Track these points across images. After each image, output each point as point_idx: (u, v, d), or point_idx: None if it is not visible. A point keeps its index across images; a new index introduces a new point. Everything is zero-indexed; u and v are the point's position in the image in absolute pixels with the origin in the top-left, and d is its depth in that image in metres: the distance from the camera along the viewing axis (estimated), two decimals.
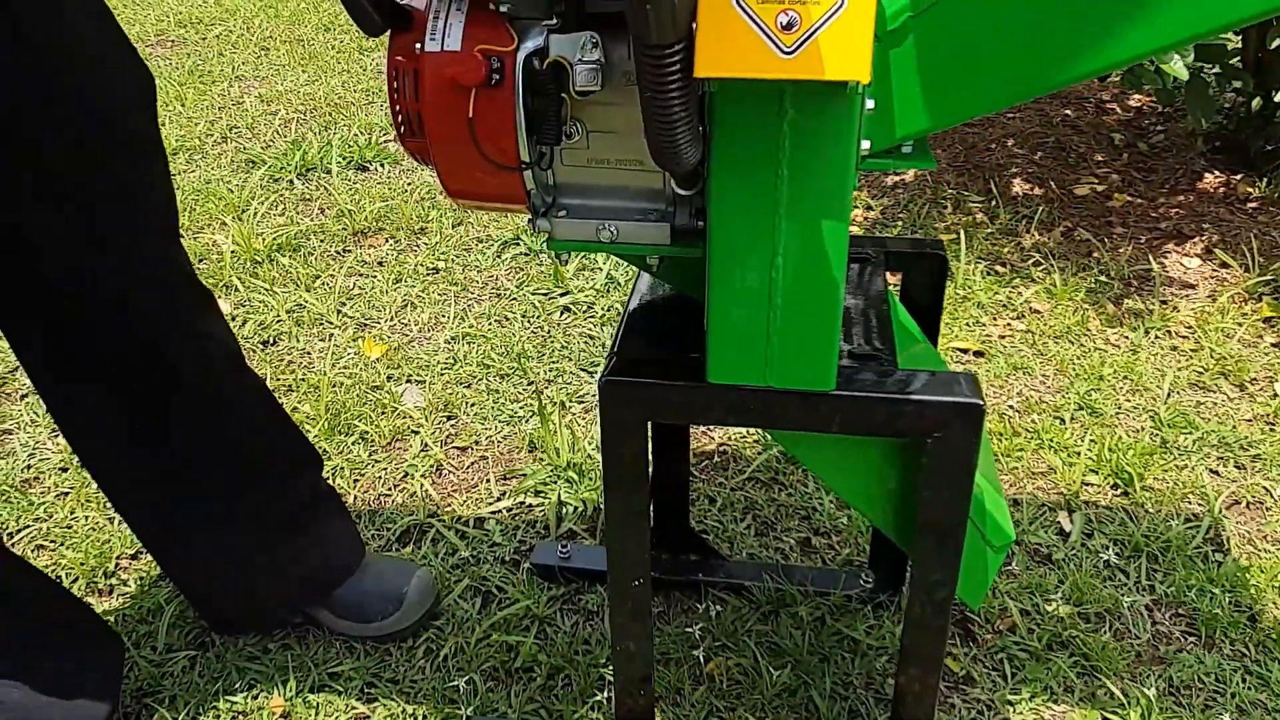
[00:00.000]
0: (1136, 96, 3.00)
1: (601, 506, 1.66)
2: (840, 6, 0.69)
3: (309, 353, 2.08)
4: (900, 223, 2.46)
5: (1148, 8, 0.76)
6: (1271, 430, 1.78)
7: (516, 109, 0.88)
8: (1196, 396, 1.87)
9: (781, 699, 1.35)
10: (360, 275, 2.35)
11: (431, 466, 1.77)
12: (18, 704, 1.21)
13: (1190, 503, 1.64)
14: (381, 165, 2.88)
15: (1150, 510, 1.63)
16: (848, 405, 0.94)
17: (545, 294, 2.24)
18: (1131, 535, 1.57)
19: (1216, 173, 2.62)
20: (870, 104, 0.83)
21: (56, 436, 1.85)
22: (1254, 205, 2.48)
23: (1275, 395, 1.86)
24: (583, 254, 2.23)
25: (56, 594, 1.35)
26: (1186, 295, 2.16)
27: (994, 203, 2.50)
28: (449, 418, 1.88)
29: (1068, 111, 2.96)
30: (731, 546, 1.59)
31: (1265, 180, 2.54)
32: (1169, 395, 1.87)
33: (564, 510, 1.66)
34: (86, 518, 1.67)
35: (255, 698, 1.38)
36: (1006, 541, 1.11)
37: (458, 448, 1.82)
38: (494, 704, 1.35)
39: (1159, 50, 0.78)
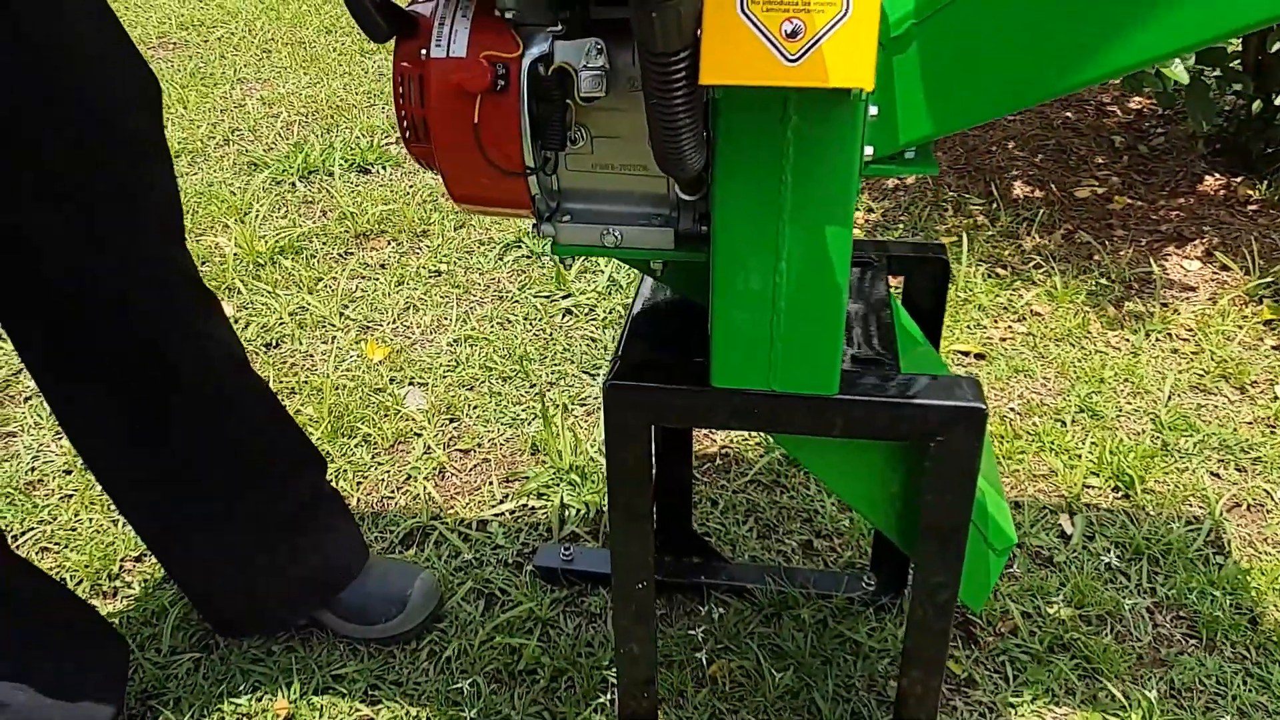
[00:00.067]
0: (1137, 99, 3.01)
1: (604, 509, 1.66)
2: (844, 14, 0.70)
3: (311, 355, 2.09)
4: (901, 225, 2.46)
5: (1150, 15, 0.76)
6: (1272, 433, 1.79)
7: (521, 115, 0.88)
8: (1197, 399, 1.88)
9: (784, 701, 1.35)
10: (362, 278, 2.35)
11: (434, 469, 1.78)
12: (23, 706, 1.22)
13: (1191, 505, 1.65)
14: (383, 168, 2.88)
15: (1151, 513, 1.63)
16: (850, 409, 0.95)
17: (547, 296, 2.24)
18: (1132, 538, 1.57)
19: (1217, 175, 2.62)
20: (874, 110, 0.83)
21: (60, 439, 1.85)
22: (1254, 208, 2.49)
23: (1276, 398, 1.87)
24: (585, 257, 2.24)
25: (59, 595, 1.35)
26: (1187, 298, 2.17)
27: (995, 205, 2.51)
28: (451, 420, 1.89)
29: (1068, 114, 2.97)
30: (734, 549, 1.59)
31: (1266, 183, 2.54)
32: (1170, 398, 1.87)
33: (566, 513, 1.67)
34: (90, 520, 1.67)
35: (259, 700, 1.38)
36: (1008, 544, 1.11)
37: (460, 450, 1.82)
38: (497, 706, 1.36)
39: (1162, 57, 0.79)
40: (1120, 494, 1.67)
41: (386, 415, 1.89)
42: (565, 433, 1.79)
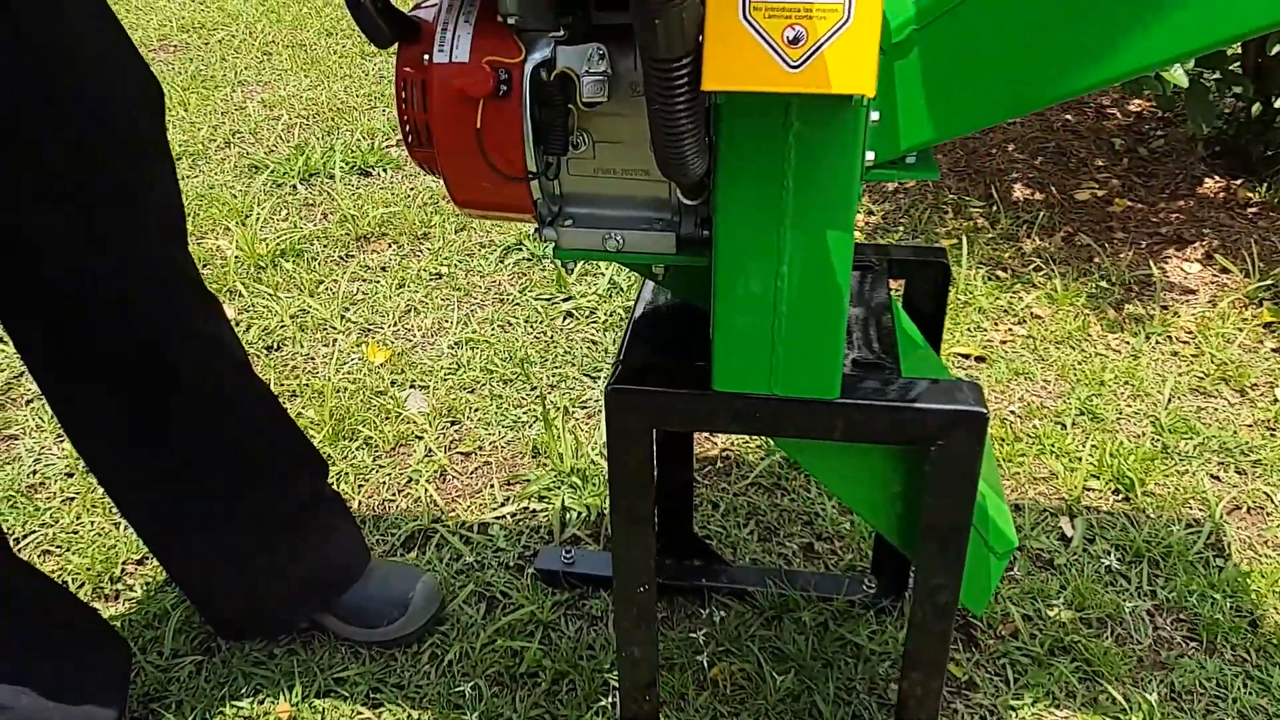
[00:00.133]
0: (1137, 101, 3.01)
1: (605, 512, 1.66)
2: (846, 21, 0.70)
3: (313, 358, 2.09)
4: (901, 228, 2.47)
5: (1150, 22, 0.77)
6: (1272, 435, 1.79)
7: (524, 120, 0.89)
8: (1197, 402, 1.88)
9: (785, 704, 1.35)
10: (363, 280, 2.36)
11: (436, 472, 1.78)
12: (25, 709, 1.22)
13: (1191, 508, 1.65)
14: (384, 170, 2.88)
15: (1151, 515, 1.63)
16: (851, 413, 0.95)
17: (548, 299, 2.24)
18: (1133, 540, 1.57)
19: (1217, 178, 2.63)
20: (875, 116, 0.83)
21: (62, 442, 1.85)
22: (1254, 210, 2.49)
23: (1276, 400, 1.87)
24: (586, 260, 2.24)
25: (59, 596, 1.35)
26: (1187, 300, 2.17)
27: (995, 208, 2.51)
28: (453, 423, 1.89)
29: (1068, 116, 2.97)
30: (734, 552, 1.59)
31: (1265, 185, 2.55)
32: (1170, 400, 1.87)
33: (568, 515, 1.67)
34: (92, 523, 1.68)
35: (261, 703, 1.38)
36: (1009, 548, 1.11)
37: (462, 453, 1.83)
38: (499, 709, 1.36)
39: (1162, 64, 0.79)
40: (1120, 497, 1.67)
41: (388, 418, 1.90)
42: (566, 435, 1.79)
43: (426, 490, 1.74)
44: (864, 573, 1.52)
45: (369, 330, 2.17)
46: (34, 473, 1.80)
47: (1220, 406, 1.87)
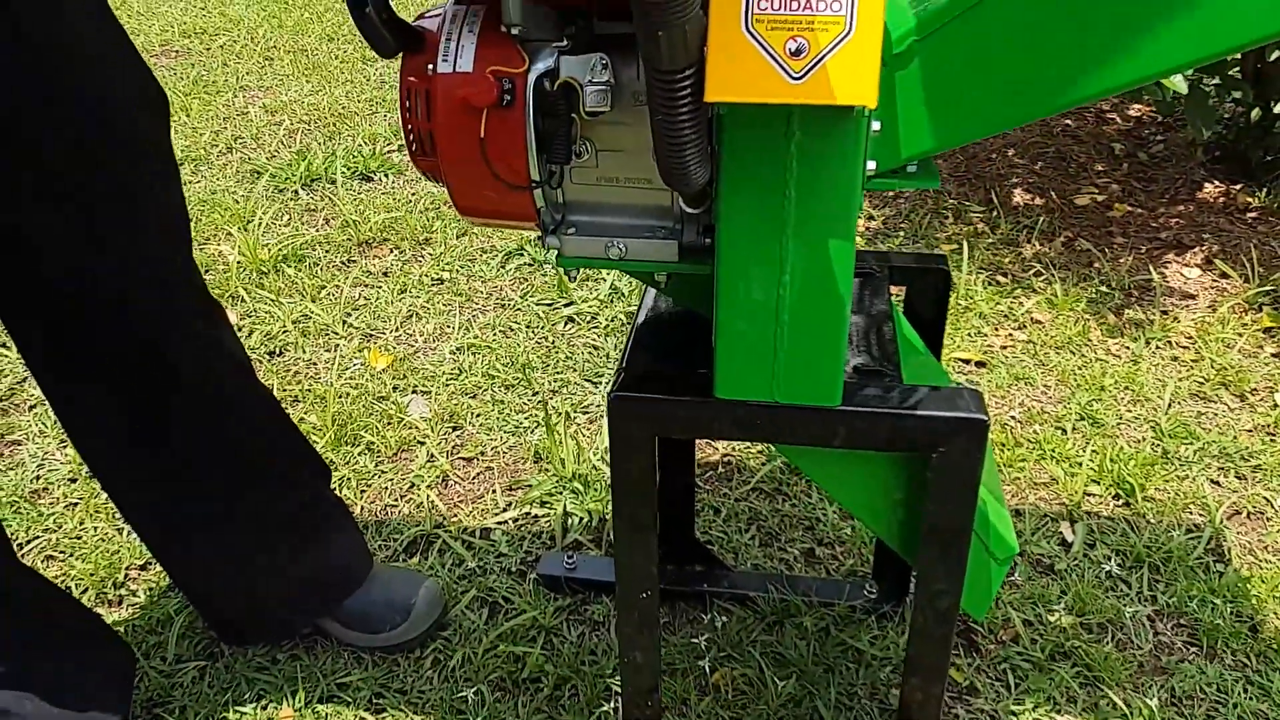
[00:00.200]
0: (1136, 106, 3.02)
1: (606, 517, 1.67)
2: (848, 33, 0.71)
3: (315, 363, 2.09)
4: (902, 233, 2.47)
5: (1152, 33, 0.77)
6: (1272, 441, 1.80)
7: (527, 129, 0.89)
8: (1197, 407, 1.89)
9: (786, 709, 1.36)
10: (365, 286, 2.36)
11: (438, 477, 1.78)
12: (29, 715, 1.22)
13: (1191, 513, 1.65)
14: (386, 175, 2.89)
15: (1152, 521, 1.64)
16: (853, 420, 0.95)
17: (549, 304, 2.25)
18: (1133, 546, 1.58)
19: (1216, 183, 2.63)
20: (876, 126, 0.84)
21: (65, 447, 1.86)
22: (1254, 215, 2.50)
23: (1275, 405, 1.88)
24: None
25: (64, 602, 1.36)
26: (1187, 305, 2.18)
27: (995, 213, 2.52)
28: (455, 428, 1.90)
29: (1068, 121, 2.98)
30: (736, 557, 1.60)
31: (1265, 190, 2.56)
32: (1170, 406, 1.88)
33: (569, 521, 1.67)
34: (95, 528, 1.68)
35: (265, 708, 1.39)
36: (1010, 553, 1.12)
37: (464, 458, 1.83)
38: (501, 714, 1.36)
39: (1162, 74, 0.80)
40: (1121, 502, 1.68)
41: (390, 423, 1.90)
42: (568, 441, 1.80)
43: (428, 496, 1.74)
44: (865, 578, 1.53)
45: (371, 335, 2.18)
46: (37, 478, 1.80)
47: (1220, 411, 1.87)
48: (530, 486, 1.75)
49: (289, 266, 2.42)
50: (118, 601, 1.56)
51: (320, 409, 1.93)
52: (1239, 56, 2.49)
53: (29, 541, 1.66)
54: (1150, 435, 1.81)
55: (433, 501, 1.73)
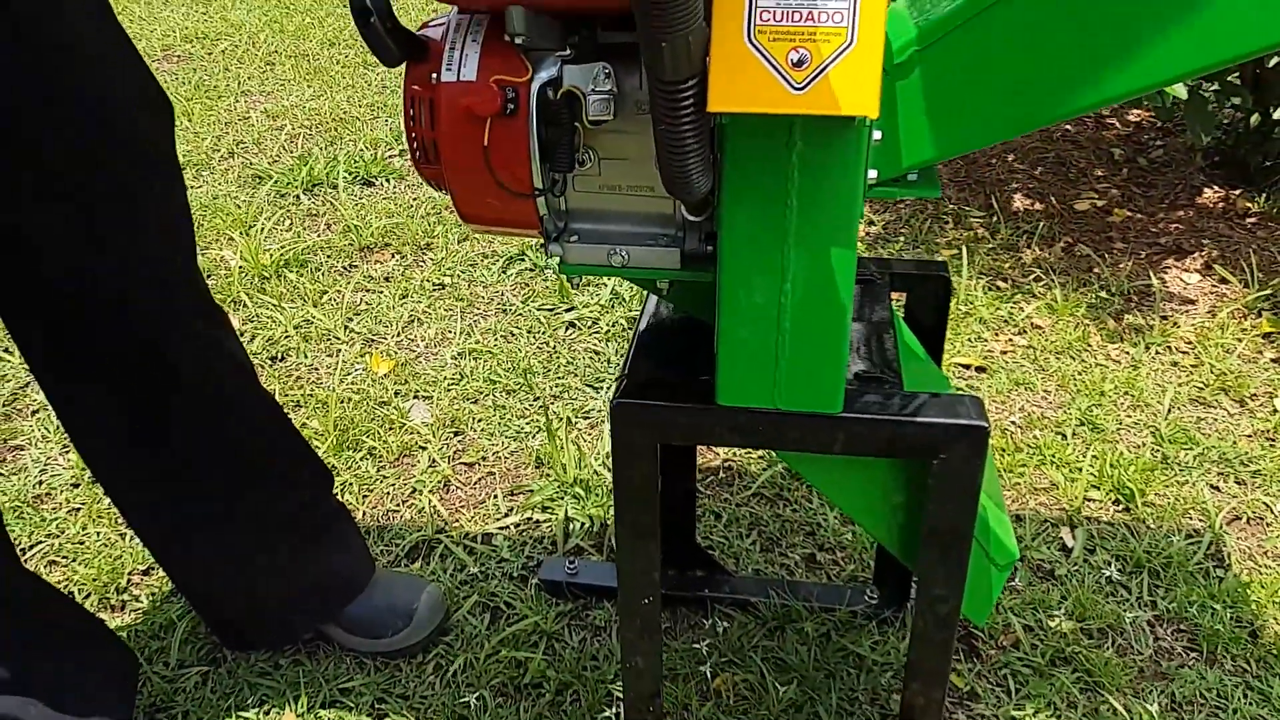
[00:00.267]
0: (1136, 111, 3.03)
1: (608, 522, 1.67)
2: (849, 44, 0.71)
3: (317, 369, 2.10)
4: (902, 238, 2.48)
5: (1152, 42, 0.78)
6: (1271, 446, 1.80)
7: (531, 138, 0.90)
8: (1197, 412, 1.89)
9: (788, 715, 1.36)
10: (367, 291, 2.37)
11: (439, 482, 1.79)
12: (34, 719, 1.23)
13: (1191, 518, 1.66)
14: (387, 180, 2.90)
15: (1151, 526, 1.64)
16: (853, 427, 0.96)
17: (550, 309, 2.26)
18: (1133, 551, 1.58)
19: (1216, 188, 2.64)
20: (877, 135, 0.84)
21: (68, 452, 1.86)
22: (1253, 220, 2.50)
23: (1275, 411, 1.88)
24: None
25: (67, 607, 1.36)
26: (1186, 311, 2.18)
27: (995, 218, 2.53)
28: (456, 433, 1.90)
29: (1067, 127, 2.99)
30: (737, 562, 1.60)
31: (1264, 195, 2.56)
32: (1170, 411, 1.88)
33: (571, 526, 1.68)
34: (98, 534, 1.69)
35: (267, 713, 1.39)
36: (1010, 559, 1.12)
37: (465, 463, 1.84)
38: None
39: (1163, 84, 0.80)
40: (1121, 507, 1.68)
41: (391, 428, 1.91)
42: (569, 446, 1.80)
43: (430, 501, 1.74)
44: (866, 583, 1.53)
45: (372, 341, 2.18)
46: (40, 483, 1.81)
47: (1220, 417, 1.88)
48: (532, 492, 1.75)
49: (291, 271, 2.42)
50: (120, 607, 1.57)
51: (322, 414, 1.93)
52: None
53: (32, 547, 1.67)
54: (1150, 440, 1.82)
55: (434, 507, 1.73)
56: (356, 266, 2.47)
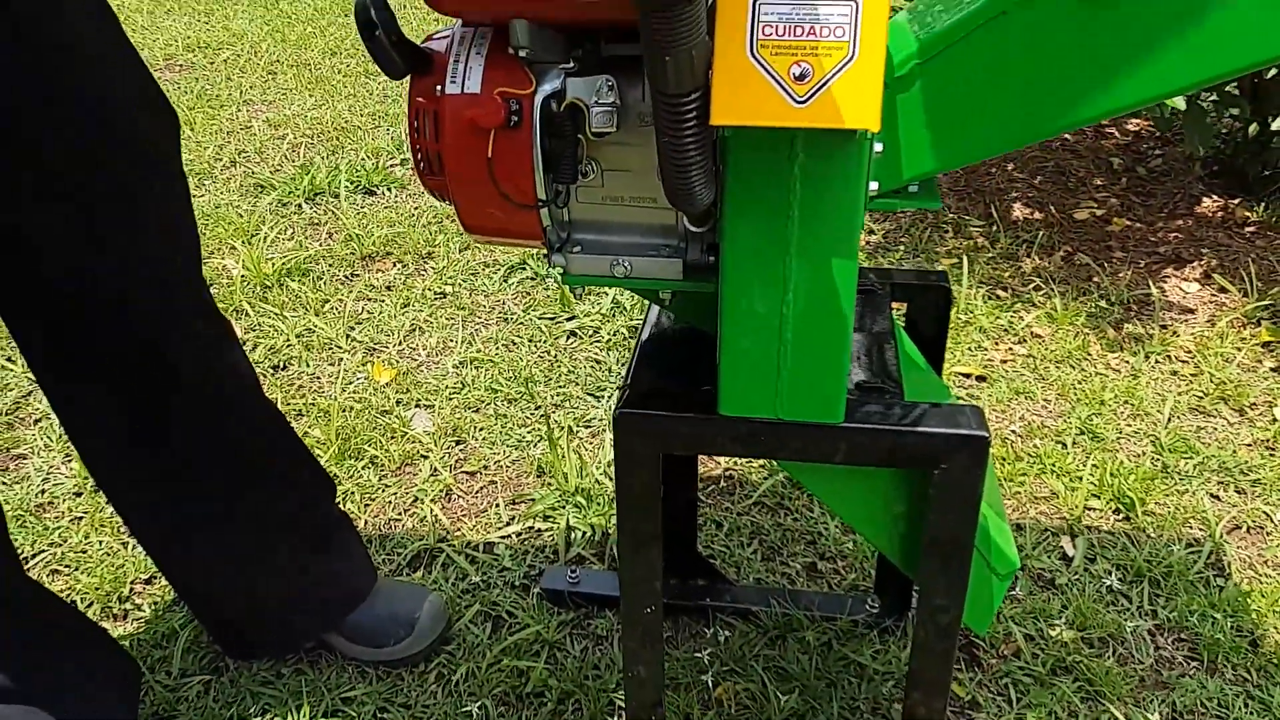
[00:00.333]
0: (1134, 120, 3.04)
1: (609, 531, 1.68)
2: (851, 58, 0.72)
3: (319, 377, 2.10)
4: (902, 247, 2.49)
5: (1150, 57, 0.79)
6: (1271, 455, 1.80)
7: (534, 150, 0.90)
8: (1197, 421, 1.89)
9: None
10: (369, 300, 2.37)
11: (441, 491, 1.79)
12: None
13: (1191, 527, 1.66)
14: (388, 189, 2.91)
15: (1152, 535, 1.65)
16: (854, 437, 0.96)
17: (551, 318, 2.26)
18: (1134, 560, 1.58)
19: (1214, 197, 2.65)
20: (878, 147, 0.85)
21: (70, 461, 1.87)
22: (1252, 230, 2.51)
23: (1275, 420, 1.88)
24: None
25: (71, 616, 1.36)
26: (1186, 320, 2.19)
27: (994, 227, 2.53)
28: (458, 442, 1.91)
29: (1067, 136, 3.00)
30: (738, 571, 1.60)
31: (1263, 205, 2.57)
32: (1169, 420, 1.89)
33: (573, 535, 1.68)
34: (101, 542, 1.69)
35: None
36: (1011, 568, 1.12)
37: (467, 472, 1.84)
38: None
39: (1161, 97, 0.81)
40: (1121, 516, 1.69)
41: (393, 437, 1.91)
42: (571, 455, 1.81)
43: (432, 510, 1.75)
44: (867, 592, 1.54)
45: (374, 349, 2.19)
46: (43, 492, 1.81)
47: (1219, 426, 1.88)
48: (533, 501, 1.76)
49: (293, 281, 2.43)
50: (123, 616, 1.57)
51: (324, 423, 1.93)
52: None
53: (34, 555, 1.67)
54: (1150, 450, 1.82)
55: (436, 516, 1.74)
56: (358, 275, 2.48)
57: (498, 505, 1.76)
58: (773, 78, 0.73)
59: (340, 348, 2.19)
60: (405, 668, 1.45)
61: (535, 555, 1.65)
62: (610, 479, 1.76)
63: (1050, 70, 0.81)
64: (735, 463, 1.82)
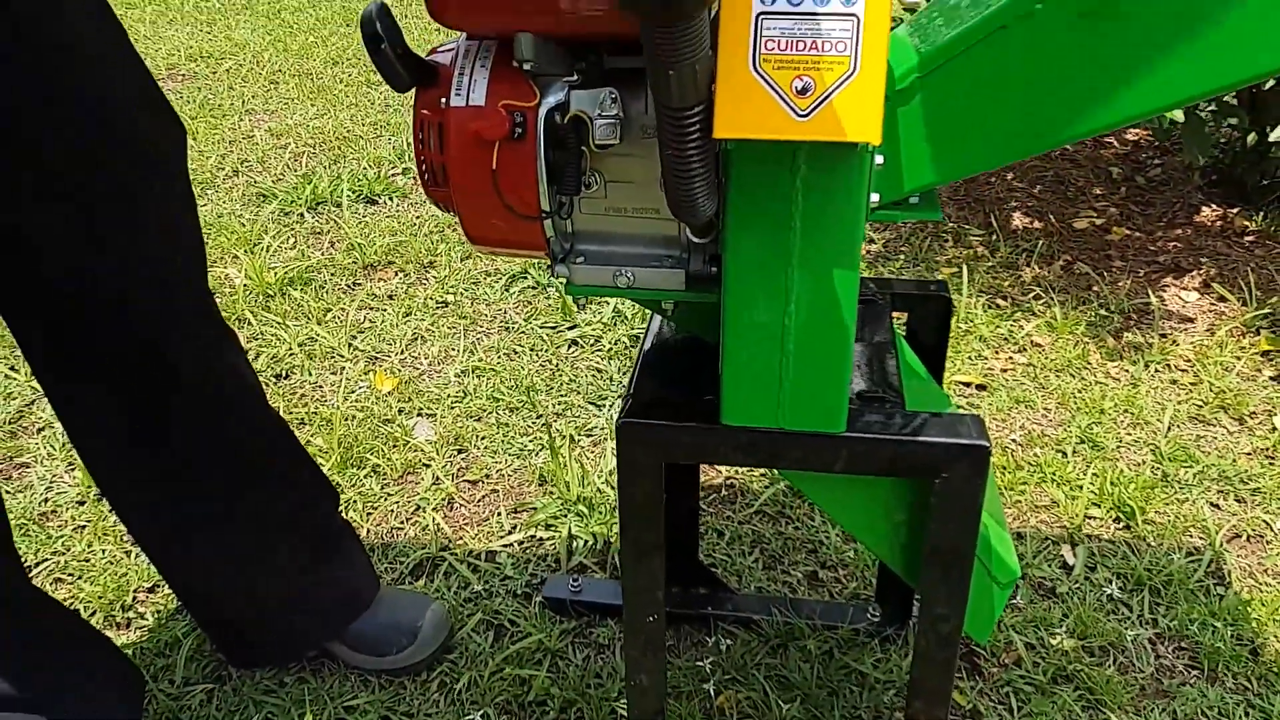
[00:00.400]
0: (1133, 130, 3.05)
1: (611, 539, 1.68)
2: (852, 72, 0.73)
3: (321, 386, 2.11)
4: (902, 256, 2.49)
5: (1150, 71, 0.80)
6: (1271, 464, 1.81)
7: (538, 162, 0.91)
8: (1196, 430, 1.90)
9: None
10: (370, 309, 2.38)
11: (443, 500, 1.80)
12: None
13: (1191, 536, 1.67)
14: (390, 199, 2.92)
15: (1152, 544, 1.65)
16: (855, 446, 0.97)
17: (553, 327, 2.27)
18: (1134, 569, 1.59)
19: (1213, 206, 2.66)
20: (879, 160, 0.86)
21: (73, 470, 1.87)
22: (1251, 239, 2.52)
23: (1274, 429, 1.89)
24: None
25: (76, 625, 1.36)
26: (1185, 329, 2.19)
27: (994, 236, 2.54)
28: (460, 451, 1.91)
29: (1066, 145, 3.01)
30: (740, 580, 1.61)
31: (1261, 214, 2.58)
32: (1169, 429, 1.89)
33: (574, 544, 1.68)
34: (104, 551, 1.69)
35: None
36: (1012, 577, 1.13)
37: (469, 481, 1.85)
38: None
39: (1161, 110, 0.82)
40: (1121, 525, 1.69)
41: (395, 446, 1.92)
42: (572, 464, 1.81)
43: (434, 518, 1.75)
44: (868, 601, 1.54)
45: (376, 358, 2.19)
46: (46, 500, 1.81)
47: (1219, 435, 1.89)
48: (535, 509, 1.76)
49: (295, 289, 2.44)
50: (125, 624, 1.57)
51: (326, 432, 1.94)
52: None
53: (38, 564, 1.67)
54: (1150, 458, 1.83)
55: (438, 524, 1.74)
56: (360, 284, 2.48)
57: (499, 514, 1.76)
58: (775, 91, 0.74)
59: (342, 356, 2.19)
60: (408, 676, 1.46)
61: (537, 564, 1.65)
62: (612, 487, 1.77)
63: (1050, 84, 0.82)
64: (736, 471, 1.82)
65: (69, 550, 1.70)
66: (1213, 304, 2.28)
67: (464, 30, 0.93)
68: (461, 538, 1.72)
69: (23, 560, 1.64)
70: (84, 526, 1.75)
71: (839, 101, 0.73)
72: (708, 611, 1.52)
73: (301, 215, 2.82)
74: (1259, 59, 0.80)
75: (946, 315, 1.25)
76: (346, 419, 1.98)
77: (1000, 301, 2.29)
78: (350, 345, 2.23)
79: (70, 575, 1.66)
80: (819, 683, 1.42)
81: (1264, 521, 1.69)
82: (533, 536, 1.71)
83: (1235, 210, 2.62)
